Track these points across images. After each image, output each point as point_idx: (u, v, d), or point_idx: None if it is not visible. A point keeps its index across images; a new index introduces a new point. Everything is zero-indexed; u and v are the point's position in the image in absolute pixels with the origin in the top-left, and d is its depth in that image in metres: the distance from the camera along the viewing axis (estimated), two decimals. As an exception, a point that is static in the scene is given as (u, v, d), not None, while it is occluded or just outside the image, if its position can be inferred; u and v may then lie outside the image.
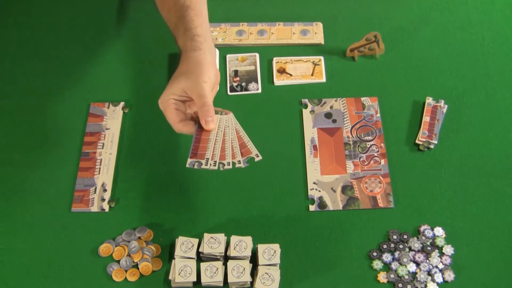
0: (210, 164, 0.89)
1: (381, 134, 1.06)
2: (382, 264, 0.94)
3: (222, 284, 0.91)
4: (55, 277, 0.94)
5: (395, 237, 0.96)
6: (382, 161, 1.03)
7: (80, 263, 0.95)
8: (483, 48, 1.16)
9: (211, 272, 0.90)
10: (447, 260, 0.94)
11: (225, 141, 0.91)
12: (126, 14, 1.24)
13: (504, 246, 0.95)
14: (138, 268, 0.94)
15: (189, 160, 0.89)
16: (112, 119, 1.09)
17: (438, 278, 0.92)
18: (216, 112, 0.92)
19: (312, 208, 0.99)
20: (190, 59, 0.94)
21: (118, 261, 0.95)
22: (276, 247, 0.92)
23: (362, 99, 1.10)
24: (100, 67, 1.16)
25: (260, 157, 0.90)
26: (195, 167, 0.89)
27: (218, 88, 0.99)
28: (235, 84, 1.12)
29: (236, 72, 1.14)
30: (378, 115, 1.08)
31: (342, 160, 1.04)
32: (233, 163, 0.90)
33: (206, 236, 0.93)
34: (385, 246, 0.95)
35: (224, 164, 0.89)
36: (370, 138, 1.06)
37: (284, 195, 1.01)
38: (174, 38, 1.02)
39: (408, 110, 1.09)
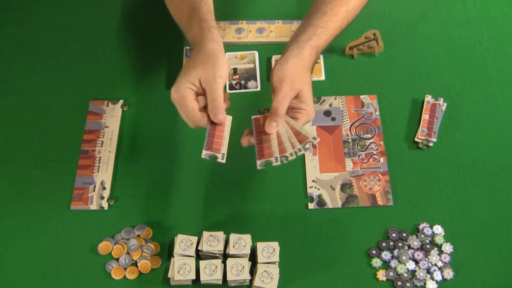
0: (279, 160, 0.87)
1: (380, 132, 1.06)
2: (381, 262, 0.94)
3: (221, 282, 0.91)
4: (54, 275, 0.94)
5: (394, 235, 0.96)
6: (381, 159, 1.03)
7: (79, 261, 0.95)
8: (482, 45, 1.16)
9: (210, 270, 0.90)
10: (446, 258, 0.94)
11: (280, 135, 0.89)
12: (125, 13, 1.24)
13: (503, 244, 0.95)
14: (137, 266, 0.94)
15: (258, 162, 0.87)
16: (111, 117, 1.09)
17: (437, 276, 0.92)
18: (260, 112, 0.92)
19: (311, 206, 0.99)
20: (208, 49, 0.91)
21: (117, 259, 0.95)
22: (275, 245, 0.92)
23: (361, 97, 1.10)
24: (99, 65, 1.16)
25: (318, 139, 0.89)
26: (265, 167, 0.88)
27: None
28: (234, 82, 1.12)
29: (235, 70, 1.14)
30: (377, 113, 1.08)
31: (341, 158, 1.04)
32: (295, 152, 0.88)
33: (205, 234, 0.93)
34: (384, 244, 0.95)
35: (287, 157, 0.88)
36: (369, 136, 1.06)
37: (283, 193, 1.01)
38: (184, 29, 1.00)
39: (407, 108, 1.09)
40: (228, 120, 0.90)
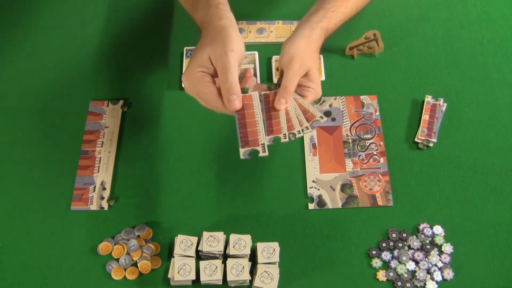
0: (287, 137, 0.87)
1: (380, 132, 1.06)
2: (381, 263, 0.94)
3: (221, 283, 0.91)
4: (54, 276, 0.94)
5: (394, 235, 0.96)
6: (381, 159, 1.03)
7: (79, 262, 0.95)
8: (482, 46, 1.16)
9: (210, 271, 0.90)
10: (446, 259, 0.94)
11: (289, 112, 0.88)
12: (125, 13, 1.24)
13: (503, 244, 0.95)
14: (137, 267, 0.94)
15: (267, 138, 0.87)
16: (111, 117, 1.09)
17: (437, 276, 0.92)
18: (270, 89, 0.89)
19: (311, 206, 0.99)
20: (217, 27, 0.85)
21: (117, 260, 0.95)
22: (275, 245, 0.92)
23: (361, 97, 1.10)
24: (99, 65, 1.16)
25: (325, 118, 0.89)
26: (273, 143, 0.88)
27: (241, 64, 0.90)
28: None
29: (235, 70, 1.14)
30: (377, 113, 1.08)
31: (341, 158, 1.04)
32: (302, 130, 0.88)
33: (205, 234, 0.93)
34: (384, 245, 0.95)
35: (295, 134, 0.87)
36: (369, 136, 1.06)
37: (283, 193, 1.01)
38: (191, 12, 0.96)
39: (407, 108, 1.09)
40: (254, 98, 0.86)
